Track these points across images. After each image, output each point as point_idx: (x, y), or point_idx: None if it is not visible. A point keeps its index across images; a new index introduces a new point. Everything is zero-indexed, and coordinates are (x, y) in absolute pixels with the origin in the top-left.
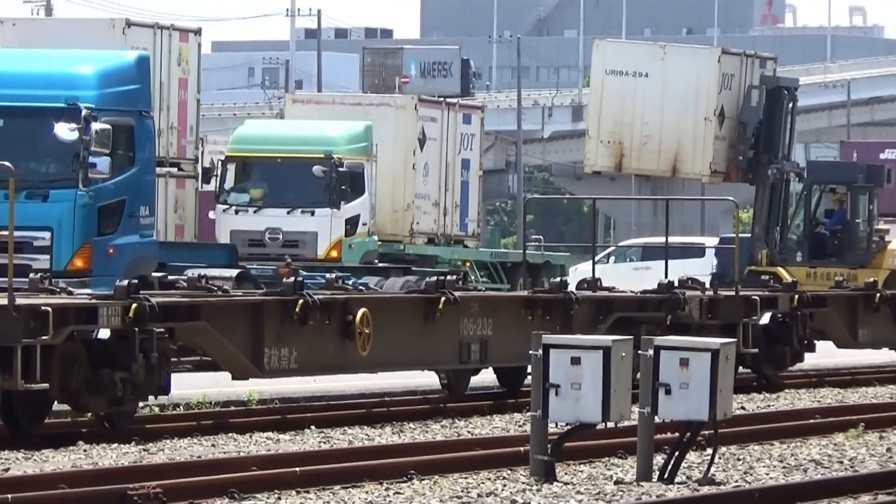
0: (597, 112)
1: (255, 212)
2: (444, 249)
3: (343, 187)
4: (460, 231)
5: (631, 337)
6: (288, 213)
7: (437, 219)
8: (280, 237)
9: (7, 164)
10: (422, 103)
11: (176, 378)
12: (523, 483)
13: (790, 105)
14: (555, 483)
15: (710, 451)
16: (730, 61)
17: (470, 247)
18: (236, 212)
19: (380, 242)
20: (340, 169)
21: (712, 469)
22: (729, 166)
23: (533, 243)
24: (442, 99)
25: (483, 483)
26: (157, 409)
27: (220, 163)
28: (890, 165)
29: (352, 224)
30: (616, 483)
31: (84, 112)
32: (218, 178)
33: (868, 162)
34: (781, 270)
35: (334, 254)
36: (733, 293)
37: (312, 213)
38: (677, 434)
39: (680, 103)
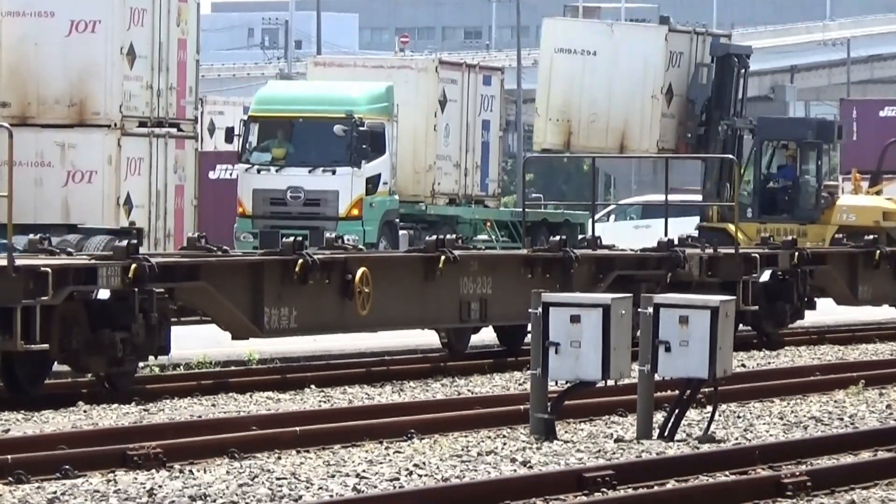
0: (546, 90)
1: (276, 171)
2: (464, 209)
3: (364, 146)
4: (481, 191)
5: (630, 295)
6: (309, 171)
7: (458, 179)
8: (302, 196)
9: (6, 125)
10: (442, 65)
11: (176, 338)
12: (523, 441)
13: (742, 71)
14: (555, 441)
15: (710, 408)
16: (678, 39)
17: (490, 206)
18: (258, 171)
19: (401, 202)
20: (361, 128)
21: (712, 426)
22: (677, 143)
23: (533, 202)
24: (462, 61)
25: (483, 441)
26: (156, 370)
27: (242, 123)
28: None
29: (373, 183)
30: (616, 441)
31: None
32: (241, 138)
33: (821, 119)
34: (732, 227)
35: (355, 212)
36: (733, 251)
37: (334, 172)
38: (677, 392)
39: (628, 81)
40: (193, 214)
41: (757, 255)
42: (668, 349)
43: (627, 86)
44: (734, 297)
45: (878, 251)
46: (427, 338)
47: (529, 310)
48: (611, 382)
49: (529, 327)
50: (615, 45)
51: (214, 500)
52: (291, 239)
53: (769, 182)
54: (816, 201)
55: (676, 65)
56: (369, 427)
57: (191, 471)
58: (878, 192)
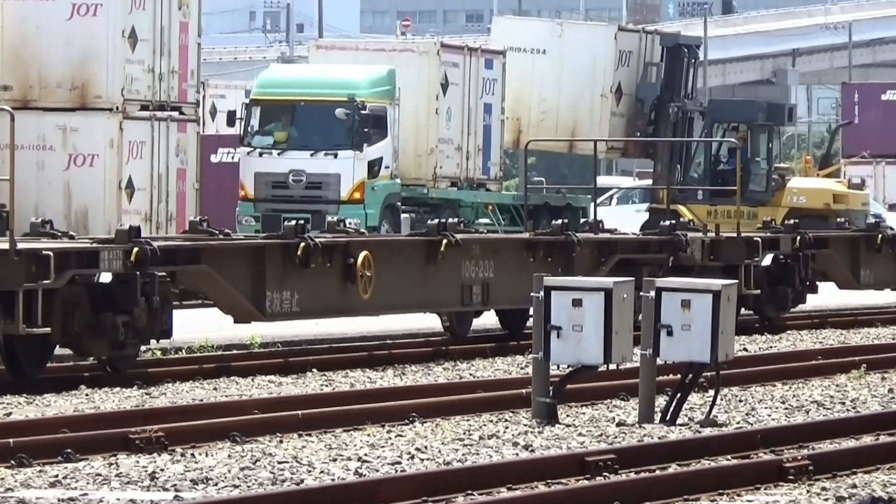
0: None
1: (278, 154)
2: (466, 193)
3: (366, 130)
4: (483, 175)
5: (632, 278)
6: (311, 155)
7: (460, 163)
8: (303, 179)
9: (8, 109)
10: (444, 49)
11: (178, 322)
12: (525, 425)
13: (693, 61)
14: (556, 425)
15: (711, 392)
16: (627, 38)
17: (492, 190)
18: (260, 154)
19: (403, 186)
20: (363, 112)
21: (714, 410)
22: (627, 143)
23: (535, 185)
24: (464, 45)
25: (485, 425)
26: (158, 353)
27: (244, 106)
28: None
29: (374, 166)
30: (618, 425)
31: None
32: (242, 122)
33: (772, 101)
34: (682, 208)
35: (357, 196)
36: (735, 234)
37: (335, 156)
38: (679, 376)
39: (577, 80)
40: (195, 198)
41: (759, 239)
42: (669, 333)
43: (577, 84)
44: (736, 281)
45: (881, 235)
46: (429, 321)
47: (531, 293)
48: (612, 366)
49: (531, 311)
50: (564, 44)
51: (216, 484)
52: (293, 222)
53: (719, 164)
54: (767, 183)
55: (626, 64)
56: (371, 411)
57: (192, 454)
58: (830, 175)
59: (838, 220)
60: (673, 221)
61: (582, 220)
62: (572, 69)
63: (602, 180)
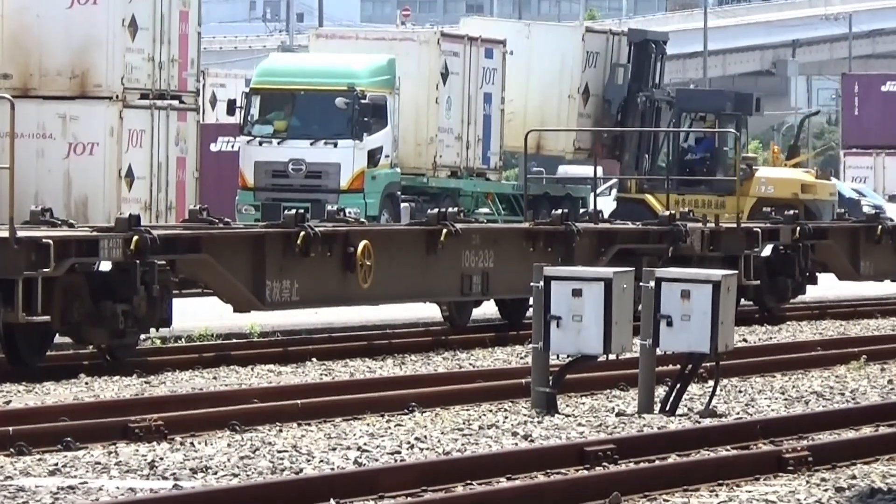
0: None
1: (278, 143)
2: (466, 182)
3: (366, 119)
4: (483, 164)
5: (632, 269)
6: (311, 144)
7: (460, 152)
8: (303, 168)
9: (8, 97)
10: (444, 38)
11: (177, 311)
12: (525, 415)
13: (659, 55)
14: (556, 415)
15: (711, 383)
16: (595, 39)
17: (492, 180)
18: (260, 143)
19: (403, 175)
20: (363, 101)
21: (714, 401)
22: (594, 144)
23: (535, 175)
24: (465, 34)
25: (484, 415)
26: (158, 342)
27: (244, 95)
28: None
29: (374, 156)
30: (617, 415)
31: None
32: (242, 111)
33: (736, 90)
34: (650, 198)
35: (357, 185)
36: (735, 225)
37: (335, 145)
38: (679, 366)
39: (544, 81)
40: (195, 187)
41: (759, 230)
42: (669, 323)
43: (544, 85)
44: (736, 272)
45: (881, 226)
46: (428, 311)
47: (531, 283)
48: (612, 356)
49: (531, 301)
50: (532, 45)
51: (216, 473)
52: (293, 211)
53: (688, 154)
54: (734, 173)
55: (593, 65)
56: (370, 400)
57: (192, 443)
58: (797, 165)
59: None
60: (678, 212)
61: (582, 210)
62: (540, 70)
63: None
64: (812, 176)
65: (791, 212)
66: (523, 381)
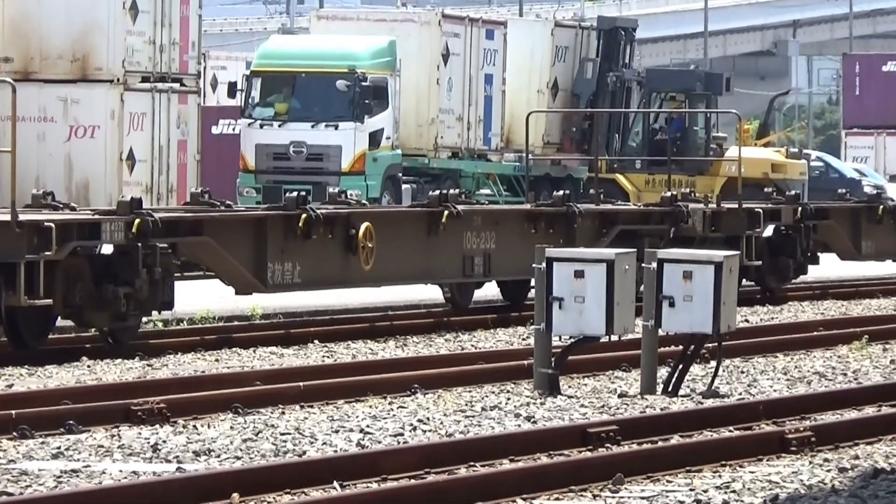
0: None
1: (279, 126)
2: (467, 163)
3: (366, 101)
4: (483, 145)
5: (634, 250)
6: (312, 126)
7: (461, 133)
8: (304, 151)
9: (9, 81)
10: (445, 19)
11: (179, 293)
12: (527, 396)
13: (628, 41)
14: (559, 396)
15: (713, 363)
16: (564, 34)
17: (493, 161)
18: (261, 126)
19: (404, 156)
20: (364, 83)
21: (716, 382)
22: (563, 138)
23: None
24: (466, 15)
25: (487, 396)
26: (160, 325)
27: (245, 78)
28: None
29: (375, 137)
30: (620, 396)
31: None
32: (243, 93)
33: (710, 71)
34: (621, 178)
35: (358, 167)
36: (736, 205)
37: (336, 127)
38: (681, 347)
39: (514, 76)
40: (196, 169)
41: (760, 210)
42: (671, 304)
43: (513, 80)
44: (738, 253)
45: (882, 206)
46: (430, 293)
47: (533, 265)
48: (614, 338)
49: (533, 282)
50: None
51: (218, 455)
52: (294, 194)
53: (658, 133)
54: (705, 153)
55: (562, 59)
56: (373, 382)
57: (195, 426)
58: (767, 144)
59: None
60: (676, 193)
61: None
62: (509, 65)
63: None
64: (783, 155)
65: (792, 192)
66: (525, 362)
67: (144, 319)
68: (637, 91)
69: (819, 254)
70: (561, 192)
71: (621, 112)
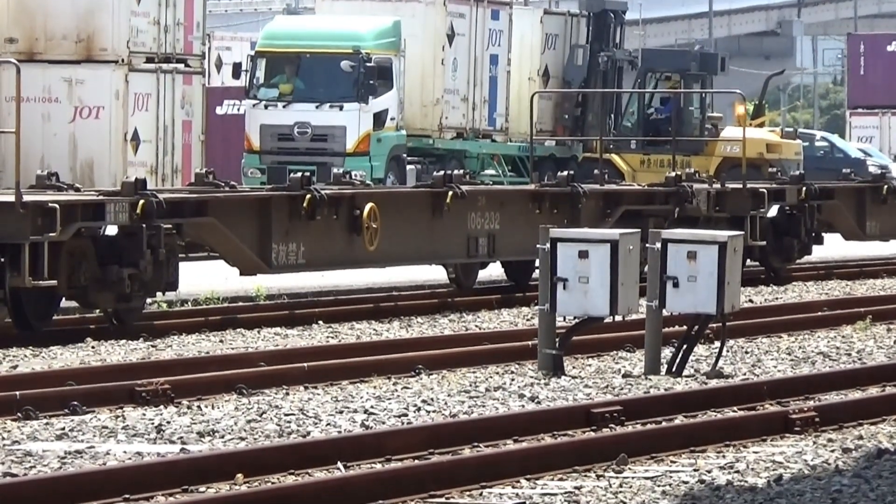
0: None
1: (284, 107)
2: (472, 144)
3: (371, 82)
4: (489, 126)
5: (638, 230)
6: (317, 107)
7: (466, 113)
8: (309, 131)
9: (14, 61)
10: (450, 0)
11: (184, 274)
12: (531, 377)
13: (619, 23)
14: (563, 377)
15: (717, 344)
16: (553, 21)
17: (498, 141)
18: (266, 107)
19: (409, 136)
20: (368, 64)
21: (720, 362)
22: (555, 125)
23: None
24: None
25: (491, 377)
26: (164, 306)
27: (249, 58)
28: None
29: (380, 118)
30: (624, 376)
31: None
32: (248, 74)
33: (704, 51)
34: (616, 158)
35: (362, 147)
36: (741, 185)
37: (341, 108)
38: (685, 327)
39: None
40: (201, 150)
41: (765, 190)
42: (676, 285)
43: None
44: (742, 233)
45: (886, 186)
46: (435, 273)
47: (537, 245)
48: (619, 318)
49: (537, 263)
50: None
51: (223, 437)
52: (299, 174)
53: (653, 113)
54: (701, 133)
55: (552, 47)
56: (377, 363)
57: (199, 407)
58: (762, 125)
59: (770, 168)
60: (681, 173)
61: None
62: None
63: None
64: (777, 136)
65: (797, 172)
66: (530, 342)
67: (149, 300)
68: (629, 72)
69: (823, 234)
70: (565, 173)
71: (622, 92)
